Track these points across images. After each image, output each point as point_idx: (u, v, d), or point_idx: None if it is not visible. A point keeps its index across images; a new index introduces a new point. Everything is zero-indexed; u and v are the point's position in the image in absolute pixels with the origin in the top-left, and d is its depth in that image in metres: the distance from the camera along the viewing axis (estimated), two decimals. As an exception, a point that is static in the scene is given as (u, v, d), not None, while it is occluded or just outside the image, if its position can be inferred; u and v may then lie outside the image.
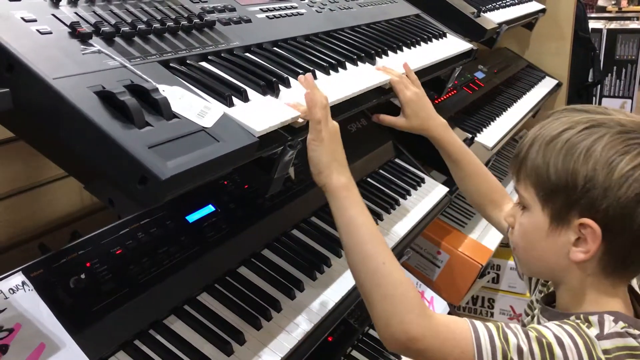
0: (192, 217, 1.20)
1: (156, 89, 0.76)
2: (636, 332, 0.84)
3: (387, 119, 1.39)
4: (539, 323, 0.95)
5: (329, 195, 0.98)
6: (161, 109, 0.74)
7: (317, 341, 1.16)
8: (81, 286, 0.96)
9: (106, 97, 0.72)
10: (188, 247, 1.14)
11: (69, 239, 1.03)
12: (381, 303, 0.89)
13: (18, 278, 0.89)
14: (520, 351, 0.82)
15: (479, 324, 0.87)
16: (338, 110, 1.07)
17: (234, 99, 0.87)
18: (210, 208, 1.24)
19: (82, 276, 0.96)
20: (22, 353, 0.84)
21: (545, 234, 0.89)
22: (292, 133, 0.91)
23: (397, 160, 1.87)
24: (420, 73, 1.40)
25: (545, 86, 3.15)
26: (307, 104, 0.96)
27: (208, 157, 0.73)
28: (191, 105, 0.79)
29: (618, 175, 0.82)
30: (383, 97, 1.30)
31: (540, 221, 0.90)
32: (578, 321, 0.86)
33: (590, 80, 3.47)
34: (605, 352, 0.82)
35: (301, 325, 1.14)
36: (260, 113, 0.86)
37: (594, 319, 0.85)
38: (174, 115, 0.76)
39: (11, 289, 0.88)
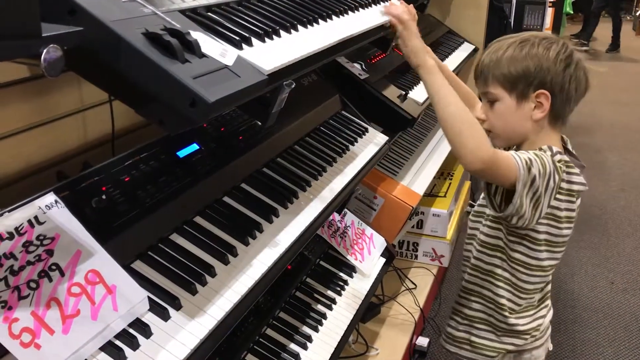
0: (182, 153, 1.36)
1: (188, 33, 0.93)
2: (566, 157, 1.40)
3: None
4: None
5: (422, 71, 1.47)
6: (194, 49, 0.91)
7: (291, 257, 1.37)
8: (102, 206, 1.11)
9: (152, 38, 0.88)
10: (181, 177, 1.31)
11: (81, 168, 1.18)
12: (471, 136, 1.32)
13: (51, 197, 1.03)
14: (530, 160, 1.33)
15: (514, 154, 1.34)
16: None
17: (242, 44, 1.04)
18: (195, 146, 1.41)
19: (103, 197, 1.12)
20: (65, 257, 1.00)
21: (515, 110, 1.42)
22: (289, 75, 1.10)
23: (343, 112, 2.09)
24: (373, 31, 1.62)
25: (464, 50, 3.46)
26: (392, 12, 1.60)
27: (235, 88, 0.91)
28: (213, 47, 0.97)
29: (552, 58, 1.37)
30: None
31: (510, 103, 1.42)
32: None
33: (502, 46, 3.82)
34: (558, 161, 1.36)
35: (280, 243, 1.34)
36: (264, 56, 1.05)
37: (544, 147, 1.40)
38: (203, 55, 0.93)
39: (47, 205, 1.02)
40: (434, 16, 3.60)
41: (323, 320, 1.72)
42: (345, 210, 2.11)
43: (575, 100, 1.41)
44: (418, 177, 2.65)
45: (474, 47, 3.56)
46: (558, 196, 1.39)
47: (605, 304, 3.14)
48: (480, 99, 1.55)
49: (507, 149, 1.55)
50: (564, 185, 1.39)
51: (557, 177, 1.37)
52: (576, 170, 1.42)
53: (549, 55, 1.37)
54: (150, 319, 1.04)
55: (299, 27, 1.28)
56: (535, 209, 1.37)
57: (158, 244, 1.18)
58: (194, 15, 1.05)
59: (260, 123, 1.13)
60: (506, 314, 1.54)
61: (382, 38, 1.85)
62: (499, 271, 1.54)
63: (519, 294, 1.53)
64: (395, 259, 2.67)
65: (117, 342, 0.98)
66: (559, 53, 1.37)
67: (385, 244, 2.19)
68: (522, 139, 1.45)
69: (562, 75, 1.37)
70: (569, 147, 1.50)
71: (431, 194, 3.16)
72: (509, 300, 1.54)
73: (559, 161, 1.38)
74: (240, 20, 1.13)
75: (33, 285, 0.93)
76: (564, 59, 1.37)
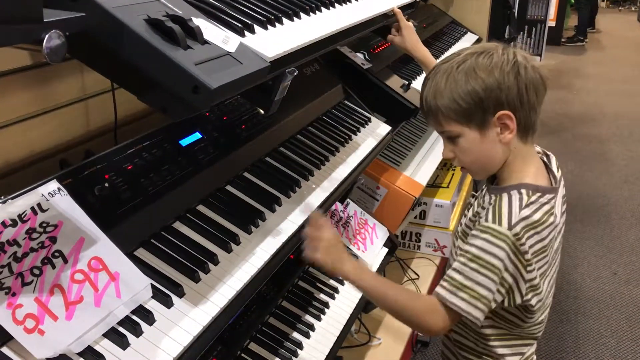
0: (185, 142, 1.36)
1: (190, 19, 0.92)
2: (534, 198, 1.22)
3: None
4: (482, 201, 1.33)
5: (346, 280, 1.31)
6: (196, 35, 0.91)
7: (293, 247, 1.37)
8: (105, 194, 1.11)
9: (154, 24, 0.87)
10: (184, 166, 1.31)
11: (84, 156, 1.18)
12: (411, 322, 1.29)
13: (54, 184, 1.03)
14: (486, 288, 1.19)
15: (456, 300, 1.20)
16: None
17: (245, 31, 1.04)
18: (198, 135, 1.41)
19: (106, 185, 1.12)
20: (68, 244, 1.00)
21: (480, 141, 1.24)
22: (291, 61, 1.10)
23: (346, 102, 2.08)
24: (376, 19, 1.62)
25: (467, 41, 3.44)
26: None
27: (237, 75, 0.91)
28: (215, 34, 0.96)
29: (498, 73, 1.18)
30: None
31: (473, 136, 1.23)
32: (492, 225, 1.20)
33: (506, 36, 3.80)
34: (515, 235, 1.18)
35: (283, 231, 1.34)
36: (267, 43, 1.04)
37: (505, 200, 1.22)
38: (205, 42, 0.93)
39: (50, 193, 1.01)
40: (438, 6, 3.59)
41: (326, 310, 1.73)
42: (348, 200, 2.11)
43: (539, 103, 1.24)
44: (421, 168, 2.65)
45: (477, 37, 3.54)
46: (529, 268, 1.21)
47: (608, 294, 3.14)
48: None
49: (491, 179, 1.37)
50: (535, 248, 1.21)
51: (517, 261, 1.19)
52: (547, 218, 1.22)
53: (493, 70, 1.19)
54: (154, 306, 1.05)
55: (302, 14, 1.27)
56: (511, 293, 1.23)
57: (161, 232, 1.18)
58: (196, 1, 1.04)
59: (262, 111, 1.13)
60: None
61: (385, 27, 1.84)
62: (490, 330, 1.36)
63: (515, 342, 1.38)
64: (398, 249, 2.67)
65: (121, 329, 0.98)
66: (502, 64, 1.19)
67: (388, 234, 2.20)
68: (498, 164, 1.28)
69: (516, 86, 1.19)
70: (553, 166, 1.33)
71: (434, 185, 3.15)
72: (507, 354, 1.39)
73: (523, 228, 1.18)
74: (242, 7, 1.13)
75: (36, 272, 0.94)
76: (510, 68, 1.19)
